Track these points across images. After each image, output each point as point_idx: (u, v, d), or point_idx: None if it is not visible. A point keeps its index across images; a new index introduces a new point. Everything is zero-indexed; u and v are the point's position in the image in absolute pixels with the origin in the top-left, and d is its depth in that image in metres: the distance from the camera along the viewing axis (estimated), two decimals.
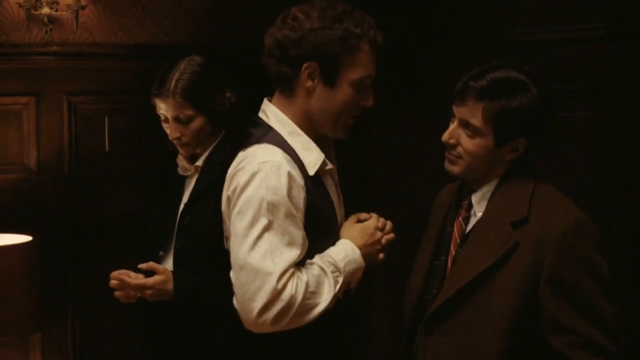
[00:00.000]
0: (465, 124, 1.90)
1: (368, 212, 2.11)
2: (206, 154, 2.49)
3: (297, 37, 1.91)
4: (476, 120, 1.87)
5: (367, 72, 1.97)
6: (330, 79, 1.94)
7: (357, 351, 2.19)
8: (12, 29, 3.25)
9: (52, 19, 3.24)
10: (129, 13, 3.44)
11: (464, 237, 1.95)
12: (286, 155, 1.91)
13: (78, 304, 3.42)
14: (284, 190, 1.85)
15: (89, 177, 3.42)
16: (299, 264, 1.88)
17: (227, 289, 1.93)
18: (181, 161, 2.55)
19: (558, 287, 1.80)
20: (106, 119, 3.44)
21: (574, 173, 2.77)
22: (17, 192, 3.30)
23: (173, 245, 2.46)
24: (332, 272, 1.91)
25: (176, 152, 2.56)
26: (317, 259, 1.92)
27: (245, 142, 1.98)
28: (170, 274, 2.36)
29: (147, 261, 2.38)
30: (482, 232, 1.90)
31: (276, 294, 1.80)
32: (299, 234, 1.87)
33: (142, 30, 3.46)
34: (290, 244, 1.85)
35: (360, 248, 1.97)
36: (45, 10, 3.21)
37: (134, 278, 2.35)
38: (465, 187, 2.01)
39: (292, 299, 1.81)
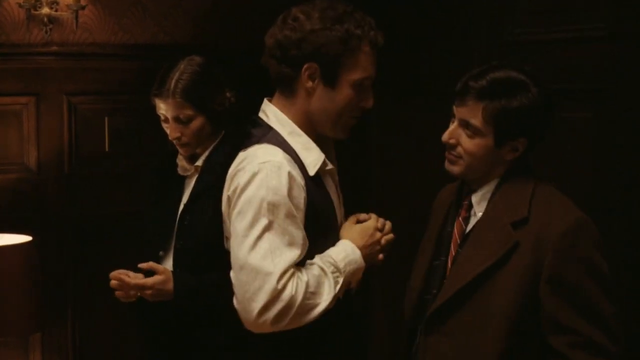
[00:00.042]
0: (465, 124, 1.90)
1: (368, 212, 2.11)
2: (206, 154, 2.49)
3: (298, 37, 1.91)
4: (476, 120, 1.87)
5: (368, 73, 1.96)
6: (330, 80, 1.94)
7: (357, 351, 2.19)
8: (12, 29, 3.25)
9: (52, 19, 3.24)
10: (129, 13, 3.44)
11: (464, 237, 1.95)
12: (286, 156, 1.91)
13: (78, 304, 3.42)
14: (285, 191, 1.85)
15: (89, 177, 3.42)
16: (299, 264, 1.88)
17: (227, 289, 1.93)
18: (181, 161, 2.55)
19: (558, 287, 1.80)
20: (106, 119, 3.44)
21: (574, 173, 2.77)
22: (17, 192, 3.30)
23: (173, 245, 2.46)
24: (333, 272, 1.91)
25: (176, 152, 2.56)
26: (317, 259, 1.92)
27: (245, 142, 1.98)
28: (171, 274, 2.36)
29: (147, 261, 2.38)
30: (482, 232, 1.90)
31: (276, 294, 1.80)
32: (299, 234, 1.87)
33: (142, 30, 3.46)
34: (291, 244, 1.85)
35: (360, 248, 1.98)
36: (45, 10, 3.21)
37: (132, 278, 2.36)
38: (466, 187, 2.01)
39: (292, 299, 1.81)
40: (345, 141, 2.07)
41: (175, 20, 3.52)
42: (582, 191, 2.37)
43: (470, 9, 3.25)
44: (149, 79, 2.49)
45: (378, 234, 2.04)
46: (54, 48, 3.31)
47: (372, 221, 2.06)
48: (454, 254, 1.96)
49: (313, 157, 1.97)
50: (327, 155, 2.01)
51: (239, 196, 1.88)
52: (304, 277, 1.85)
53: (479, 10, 3.20)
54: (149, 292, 2.34)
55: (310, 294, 1.85)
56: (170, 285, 2.34)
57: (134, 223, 2.79)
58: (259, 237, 1.83)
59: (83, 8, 3.26)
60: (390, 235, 2.08)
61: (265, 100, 2.06)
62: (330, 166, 2.02)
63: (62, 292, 3.39)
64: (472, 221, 1.95)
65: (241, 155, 1.95)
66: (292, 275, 1.84)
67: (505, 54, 2.94)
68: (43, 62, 3.32)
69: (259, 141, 1.95)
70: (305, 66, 1.93)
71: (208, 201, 2.37)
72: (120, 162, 3.46)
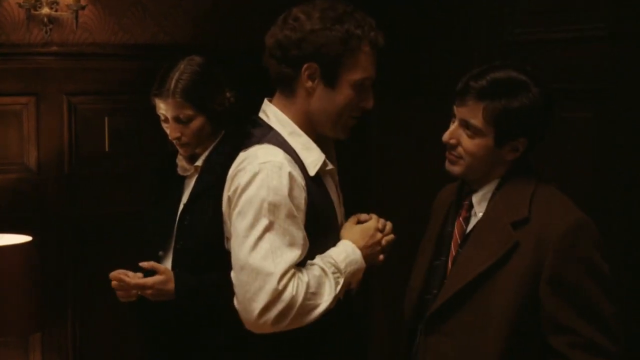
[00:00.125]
0: (465, 124, 1.90)
1: (368, 212, 2.11)
2: (206, 154, 2.49)
3: (298, 37, 1.91)
4: (477, 121, 1.87)
5: (368, 74, 1.96)
6: (330, 80, 1.94)
7: (358, 351, 2.19)
8: (12, 29, 3.26)
9: (52, 19, 3.24)
10: (129, 13, 3.44)
11: (465, 237, 1.95)
12: (287, 156, 1.91)
13: (78, 304, 3.43)
14: (285, 191, 1.85)
15: (89, 177, 3.42)
16: (300, 265, 1.88)
17: (227, 289, 1.93)
18: (181, 161, 2.55)
19: (558, 287, 1.80)
20: (106, 119, 3.44)
21: (574, 173, 2.77)
22: (17, 192, 3.31)
23: (173, 245, 2.46)
24: (333, 272, 1.91)
25: (176, 152, 2.56)
26: (318, 259, 1.92)
27: (245, 142, 1.98)
28: (172, 274, 2.36)
29: (147, 261, 2.38)
30: (483, 232, 1.90)
31: (277, 295, 1.80)
32: (299, 234, 1.87)
33: (142, 30, 3.46)
34: (291, 244, 1.85)
35: (360, 249, 1.98)
36: (45, 10, 3.21)
37: (132, 277, 2.36)
38: (466, 187, 2.01)
39: (292, 299, 1.81)
40: (345, 141, 2.07)
41: (175, 20, 3.52)
42: (582, 191, 2.37)
43: (470, 9, 3.25)
44: (149, 79, 2.49)
45: (379, 235, 2.04)
46: (54, 48, 3.31)
47: (373, 222, 2.06)
48: (454, 254, 1.96)
49: (313, 157, 1.97)
50: (328, 156, 2.01)
51: (240, 196, 1.88)
52: (304, 278, 1.85)
53: (479, 10, 3.20)
54: (149, 291, 2.34)
55: (311, 295, 1.85)
56: (171, 286, 2.34)
57: (134, 223, 2.79)
58: (260, 237, 1.83)
59: (83, 8, 3.26)
60: (391, 236, 2.08)
61: (266, 101, 2.05)
62: (330, 166, 2.02)
63: (62, 292, 3.39)
64: (473, 221, 1.95)
65: (242, 155, 1.95)
66: (293, 275, 1.83)
67: (505, 54, 2.94)
68: (43, 62, 3.32)
69: (259, 141, 1.94)
70: (305, 66, 1.92)
71: (208, 201, 2.37)
72: (120, 162, 3.46)
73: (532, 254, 1.81)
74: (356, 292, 2.11)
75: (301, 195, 1.89)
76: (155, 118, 2.50)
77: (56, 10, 3.23)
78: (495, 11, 3.12)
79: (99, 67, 3.40)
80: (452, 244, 1.97)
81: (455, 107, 1.92)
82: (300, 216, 1.88)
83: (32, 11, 3.21)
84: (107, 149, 3.45)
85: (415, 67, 3.52)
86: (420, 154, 3.41)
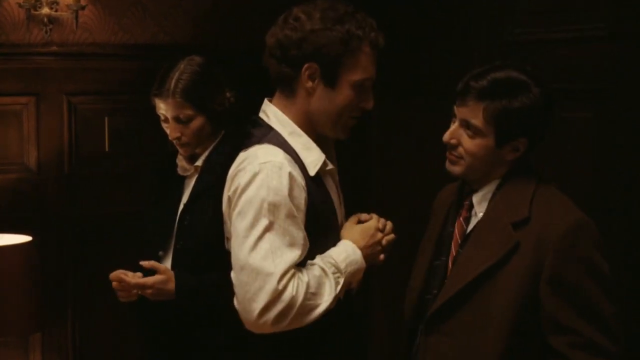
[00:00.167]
0: (466, 124, 1.90)
1: (368, 212, 2.11)
2: (206, 154, 2.49)
3: (298, 37, 1.91)
4: (477, 121, 1.87)
5: (368, 74, 1.96)
6: (330, 80, 1.94)
7: (358, 351, 2.19)
8: (12, 29, 3.25)
9: (52, 19, 3.24)
10: (129, 13, 3.44)
11: (465, 237, 1.95)
12: (287, 156, 1.91)
13: (78, 304, 3.43)
14: (285, 191, 1.85)
15: (89, 177, 3.42)
16: (300, 265, 1.88)
17: (227, 289, 1.93)
18: (181, 161, 2.55)
19: (558, 287, 1.80)
20: (106, 119, 3.44)
21: (574, 173, 2.77)
22: (17, 192, 3.31)
23: (173, 245, 2.47)
24: (333, 272, 1.91)
25: (176, 152, 2.56)
26: (318, 259, 1.92)
27: (245, 142, 1.98)
28: (172, 274, 2.36)
29: (147, 261, 2.38)
30: (483, 233, 1.90)
31: (277, 295, 1.80)
32: (299, 234, 1.87)
33: (142, 30, 3.46)
34: (291, 244, 1.85)
35: (361, 249, 1.98)
36: (45, 10, 3.21)
37: (131, 277, 2.36)
38: (466, 187, 2.01)
39: (292, 299, 1.81)
40: (345, 141, 2.07)
41: (175, 20, 3.51)
42: (582, 191, 2.37)
43: (470, 9, 3.25)
44: (149, 79, 2.49)
45: (379, 235, 2.04)
46: (54, 48, 3.31)
47: (373, 221, 2.06)
48: (454, 254, 1.96)
49: (313, 157, 1.97)
50: (328, 156, 2.01)
51: (240, 196, 1.88)
52: (304, 278, 1.85)
53: (479, 10, 3.20)
54: (149, 291, 2.34)
55: (311, 295, 1.85)
56: (171, 286, 2.34)
57: (134, 223, 2.79)
58: (260, 237, 1.83)
59: (83, 8, 3.26)
60: (391, 236, 2.08)
61: (266, 101, 2.05)
62: (330, 166, 2.02)
63: (62, 292, 3.39)
64: (473, 221, 1.95)
65: (242, 155, 1.95)
66: (293, 275, 1.83)
67: (505, 54, 2.94)
68: (43, 62, 3.32)
69: (259, 141, 1.94)
70: (305, 66, 1.92)
71: (208, 201, 2.37)
72: (120, 162, 3.46)
73: (533, 254, 1.81)
74: (356, 292, 2.11)
75: (301, 196, 1.89)
76: (155, 118, 2.50)
77: (56, 10, 3.23)
78: (495, 11, 3.12)
79: (99, 67, 3.40)
80: (453, 244, 1.97)
81: (455, 107, 1.92)
82: (301, 216, 1.88)
83: (32, 11, 3.21)
84: (107, 149, 3.45)
85: (415, 67, 3.52)
86: (420, 154, 3.41)
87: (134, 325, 2.85)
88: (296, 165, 1.92)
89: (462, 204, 1.99)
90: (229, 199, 1.95)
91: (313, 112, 1.98)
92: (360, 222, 2.07)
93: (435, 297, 1.94)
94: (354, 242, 1.98)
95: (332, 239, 1.99)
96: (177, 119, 2.43)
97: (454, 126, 1.93)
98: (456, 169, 1.95)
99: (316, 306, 1.86)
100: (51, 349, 3.38)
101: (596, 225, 1.86)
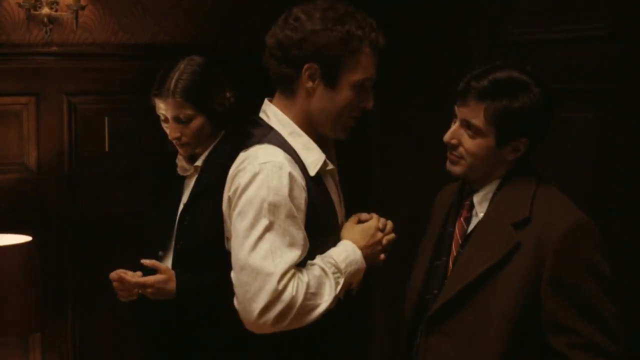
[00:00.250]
0: (466, 124, 1.90)
1: (368, 212, 2.11)
2: (206, 154, 2.49)
3: (299, 38, 1.91)
4: (478, 121, 1.87)
5: (368, 74, 1.96)
6: (330, 81, 1.94)
7: (358, 351, 2.19)
8: (12, 29, 3.26)
9: (52, 19, 3.24)
10: (129, 13, 3.44)
11: (466, 237, 1.95)
12: (287, 156, 1.91)
13: (78, 304, 3.43)
14: (285, 191, 1.85)
15: (89, 177, 3.42)
16: (300, 265, 1.88)
17: (227, 289, 1.93)
18: (180, 161, 2.55)
19: (558, 287, 1.80)
20: (106, 119, 3.44)
21: (574, 173, 2.77)
22: (17, 192, 3.31)
23: (173, 245, 2.47)
24: (333, 273, 1.91)
25: (176, 152, 2.56)
26: (318, 259, 1.92)
27: (246, 142, 1.98)
28: (173, 273, 2.36)
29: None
30: (484, 233, 1.90)
31: (277, 295, 1.80)
32: (300, 234, 1.87)
33: (142, 30, 3.46)
34: (291, 244, 1.85)
35: (361, 249, 1.97)
36: (45, 10, 3.21)
37: (131, 276, 2.36)
38: (467, 188, 2.01)
39: (292, 299, 1.81)
40: (345, 141, 2.07)
41: (175, 20, 3.52)
42: (582, 191, 2.37)
43: (470, 9, 3.25)
44: (149, 79, 2.49)
45: (379, 234, 2.04)
46: (54, 48, 3.31)
47: (374, 221, 2.06)
48: (455, 254, 1.96)
49: (314, 157, 1.97)
50: (328, 156, 2.01)
51: (240, 196, 1.88)
52: (304, 278, 1.85)
53: (479, 10, 3.20)
54: (149, 290, 2.34)
55: (311, 295, 1.85)
56: (172, 285, 2.34)
57: (134, 223, 2.79)
58: (260, 237, 1.83)
59: (83, 8, 3.26)
60: (392, 235, 2.08)
61: (266, 101, 2.05)
62: (330, 166, 2.02)
63: (62, 292, 3.39)
64: (474, 221, 1.95)
65: (242, 155, 1.95)
66: (293, 275, 1.83)
67: (505, 54, 2.93)
68: (43, 62, 3.32)
69: (259, 141, 1.94)
70: (305, 66, 1.92)
71: (208, 201, 2.37)
72: (120, 162, 3.46)
73: (533, 254, 1.81)
74: (356, 292, 2.11)
75: (301, 196, 1.89)
76: (155, 118, 2.50)
77: (56, 10, 3.23)
78: (495, 11, 3.12)
79: (99, 67, 3.40)
80: (453, 244, 1.97)
81: (456, 107, 1.92)
82: (301, 216, 1.88)
83: (32, 11, 3.21)
84: (107, 149, 3.45)
85: (415, 67, 3.52)
86: (420, 154, 3.41)
87: (134, 325, 2.85)
88: (296, 165, 1.92)
89: (463, 204, 1.99)
90: (229, 199, 1.95)
91: (313, 112, 1.98)
92: (360, 222, 2.07)
93: (436, 297, 1.94)
94: (354, 242, 1.98)
95: (332, 239, 1.99)
96: (177, 119, 2.43)
97: (454, 126, 1.93)
98: (457, 169, 1.95)
99: (316, 306, 1.86)
100: (51, 349, 3.38)
101: (596, 225, 1.86)
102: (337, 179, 2.10)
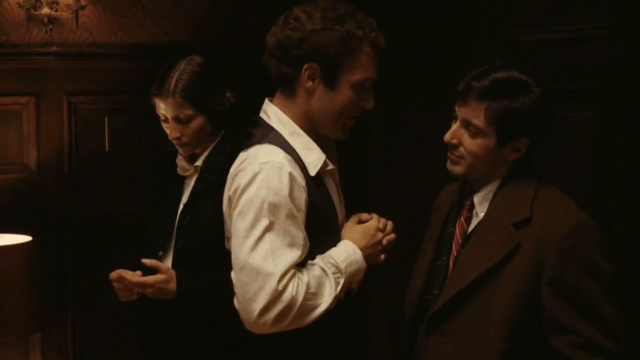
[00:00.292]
0: (467, 124, 1.89)
1: (368, 212, 2.11)
2: (205, 154, 2.49)
3: (299, 37, 1.91)
4: (478, 121, 1.87)
5: (368, 74, 1.96)
6: (330, 80, 1.93)
7: (358, 352, 2.19)
8: (12, 29, 3.26)
9: (52, 19, 3.24)
10: (129, 13, 3.44)
11: (466, 237, 1.95)
12: (287, 156, 1.91)
13: (78, 304, 3.43)
14: (286, 191, 1.85)
15: (89, 177, 3.42)
16: (300, 265, 1.88)
17: (227, 289, 1.93)
18: (180, 161, 2.55)
19: (559, 287, 1.80)
20: (106, 119, 3.44)
21: (574, 173, 2.77)
22: (17, 192, 3.31)
23: (173, 245, 2.46)
24: (334, 273, 1.91)
25: (176, 152, 2.56)
26: (318, 259, 1.92)
27: (246, 142, 1.98)
28: (174, 273, 2.35)
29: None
30: (484, 233, 1.90)
31: (277, 295, 1.80)
32: (300, 234, 1.87)
33: (142, 30, 3.46)
34: (292, 244, 1.85)
35: (361, 249, 1.97)
36: (45, 10, 3.21)
37: (131, 275, 2.36)
38: (467, 187, 2.01)
39: (292, 299, 1.81)
40: (345, 141, 2.07)
41: (175, 20, 3.52)
42: (582, 191, 2.37)
43: (470, 9, 3.25)
44: (149, 79, 2.49)
45: (380, 235, 2.04)
46: (54, 48, 3.31)
47: (374, 221, 2.06)
48: (455, 254, 1.96)
49: (314, 157, 1.97)
50: (328, 156, 2.01)
51: (240, 196, 1.88)
52: (304, 278, 1.85)
53: (479, 10, 3.20)
54: (150, 290, 2.34)
55: (311, 295, 1.85)
56: (172, 285, 2.34)
57: (134, 223, 2.79)
58: (260, 237, 1.83)
59: (83, 8, 3.26)
60: (392, 236, 2.08)
61: (266, 100, 2.05)
62: (331, 166, 2.02)
63: (62, 292, 3.39)
64: (474, 221, 1.95)
65: (242, 155, 1.95)
66: (293, 276, 1.83)
67: (505, 54, 2.93)
68: (43, 62, 3.32)
69: (260, 141, 1.94)
70: (305, 66, 1.92)
71: (208, 201, 2.37)
72: (120, 162, 3.46)
73: (534, 254, 1.81)
74: (357, 292, 2.11)
75: (302, 196, 1.89)
76: (155, 118, 2.50)
77: (56, 10, 3.24)
78: (495, 11, 3.12)
79: (99, 67, 3.40)
80: (454, 244, 1.97)
81: (456, 107, 1.92)
82: (301, 216, 1.88)
83: (32, 11, 3.21)
84: (107, 149, 3.45)
85: (415, 67, 3.52)
86: (420, 154, 3.41)
87: (134, 325, 2.85)
88: (296, 165, 1.92)
89: (463, 204, 1.99)
90: (229, 199, 1.94)
91: (313, 112, 1.98)
92: (360, 222, 2.07)
93: (436, 297, 1.94)
94: (355, 242, 1.98)
95: (332, 239, 1.99)
96: (177, 119, 2.43)
97: (455, 126, 1.93)
98: (457, 169, 1.95)
99: (316, 306, 1.86)
100: (51, 349, 3.38)
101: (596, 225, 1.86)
102: (337, 179, 2.10)
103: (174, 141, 2.47)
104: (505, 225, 1.86)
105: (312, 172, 1.95)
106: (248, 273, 1.82)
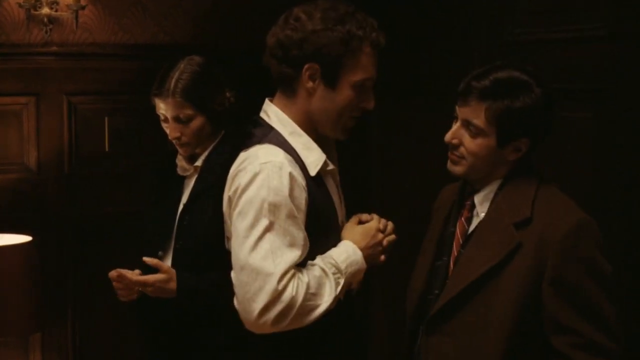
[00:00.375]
0: (467, 124, 1.89)
1: (369, 212, 2.11)
2: (205, 154, 2.49)
3: (299, 37, 1.91)
4: (479, 121, 1.87)
5: (369, 74, 1.96)
6: (331, 81, 1.94)
7: (358, 352, 2.19)
8: (12, 29, 3.26)
9: (52, 19, 3.24)
10: (129, 13, 3.44)
11: (467, 237, 1.95)
12: (288, 156, 1.91)
13: (78, 304, 3.43)
14: (286, 191, 1.85)
15: (89, 177, 3.42)
16: (300, 265, 1.88)
17: (227, 289, 1.93)
18: (180, 161, 2.55)
19: (559, 287, 1.80)
20: (106, 119, 3.44)
21: (574, 173, 2.77)
22: (17, 192, 3.31)
23: (172, 245, 2.46)
24: (334, 273, 1.91)
25: (176, 152, 2.56)
26: (318, 260, 1.92)
27: (246, 142, 1.98)
28: (174, 272, 2.35)
29: None
30: (485, 233, 1.90)
31: (277, 295, 1.80)
32: (300, 234, 1.87)
33: (142, 30, 3.46)
34: (292, 244, 1.85)
35: (362, 250, 1.97)
36: (45, 10, 3.21)
37: (131, 275, 2.36)
38: (468, 187, 2.01)
39: (292, 300, 1.81)
40: (345, 141, 2.07)
41: (175, 20, 3.52)
42: (582, 191, 2.37)
43: (470, 9, 3.25)
44: (149, 79, 2.49)
45: (380, 235, 2.04)
46: (54, 48, 3.31)
47: (374, 222, 2.06)
48: (456, 254, 1.96)
49: (314, 157, 1.97)
50: (329, 156, 2.01)
51: (240, 196, 1.88)
52: (304, 278, 1.85)
53: (479, 10, 3.20)
54: (150, 289, 2.34)
55: (311, 295, 1.85)
56: (172, 285, 2.34)
57: (134, 223, 2.79)
58: (260, 237, 1.83)
59: (83, 8, 3.26)
60: (392, 236, 2.08)
61: (267, 100, 2.05)
62: (331, 166, 2.02)
63: (62, 292, 3.39)
64: (475, 221, 1.95)
65: (242, 155, 1.95)
66: (293, 276, 1.83)
67: (505, 54, 2.93)
68: (43, 62, 3.32)
69: (260, 141, 1.94)
70: (306, 66, 1.92)
71: (208, 201, 2.37)
72: (120, 162, 3.46)
73: (534, 254, 1.81)
74: (357, 292, 2.11)
75: (302, 196, 1.89)
76: (155, 118, 2.50)
77: (56, 10, 3.24)
78: (495, 11, 3.12)
79: (99, 67, 3.40)
80: (454, 244, 1.97)
81: (457, 107, 1.92)
82: (301, 216, 1.88)
83: (32, 11, 3.21)
84: (107, 149, 3.45)
85: (415, 67, 3.52)
86: (420, 154, 3.41)
87: (134, 325, 2.85)
88: (297, 166, 1.92)
89: (464, 204, 1.99)
90: (230, 199, 1.94)
91: (314, 112, 1.98)
92: (361, 222, 2.07)
93: (437, 297, 1.94)
94: (355, 242, 1.98)
95: (332, 239, 1.99)
96: (177, 119, 2.43)
97: (455, 126, 1.93)
98: (458, 169, 1.95)
99: (316, 306, 1.86)
100: (51, 349, 3.38)
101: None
102: (337, 179, 2.10)
103: (174, 141, 2.47)
104: (506, 225, 1.86)
105: (312, 172, 1.95)
106: (248, 273, 1.82)
